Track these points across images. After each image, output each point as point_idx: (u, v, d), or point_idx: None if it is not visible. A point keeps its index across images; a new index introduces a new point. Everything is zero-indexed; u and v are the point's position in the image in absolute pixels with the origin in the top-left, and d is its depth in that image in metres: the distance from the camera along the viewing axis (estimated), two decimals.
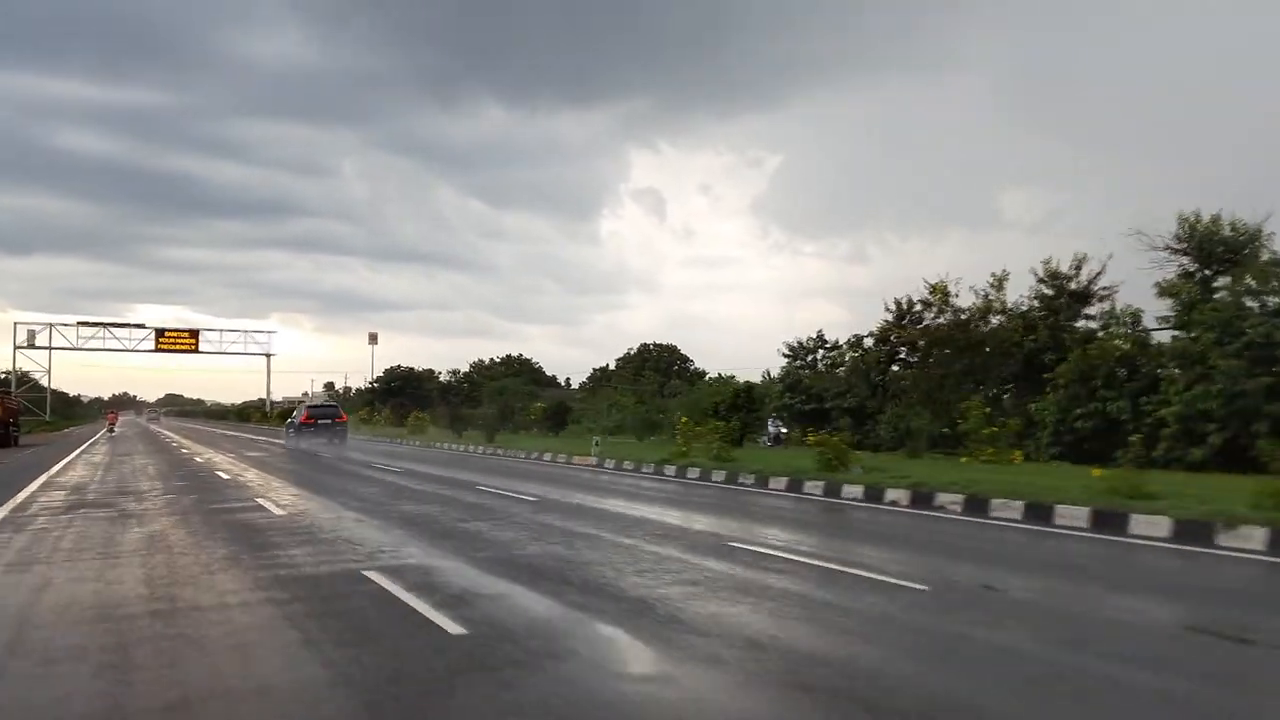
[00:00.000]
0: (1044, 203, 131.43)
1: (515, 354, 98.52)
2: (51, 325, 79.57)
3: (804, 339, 41.52)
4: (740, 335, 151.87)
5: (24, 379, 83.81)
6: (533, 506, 13.49)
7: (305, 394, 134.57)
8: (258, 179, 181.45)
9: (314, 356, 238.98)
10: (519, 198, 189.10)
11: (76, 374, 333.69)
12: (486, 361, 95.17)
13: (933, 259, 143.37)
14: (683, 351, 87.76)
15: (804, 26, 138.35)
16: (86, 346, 79.41)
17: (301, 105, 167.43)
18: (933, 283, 31.33)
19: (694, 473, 19.64)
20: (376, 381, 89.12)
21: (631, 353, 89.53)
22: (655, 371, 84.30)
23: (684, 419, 22.56)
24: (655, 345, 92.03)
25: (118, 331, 79.21)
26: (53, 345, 79.57)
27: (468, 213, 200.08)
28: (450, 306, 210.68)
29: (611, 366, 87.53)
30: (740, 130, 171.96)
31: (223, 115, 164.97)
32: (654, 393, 63.63)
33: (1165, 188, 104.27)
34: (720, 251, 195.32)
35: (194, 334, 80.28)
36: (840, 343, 41.08)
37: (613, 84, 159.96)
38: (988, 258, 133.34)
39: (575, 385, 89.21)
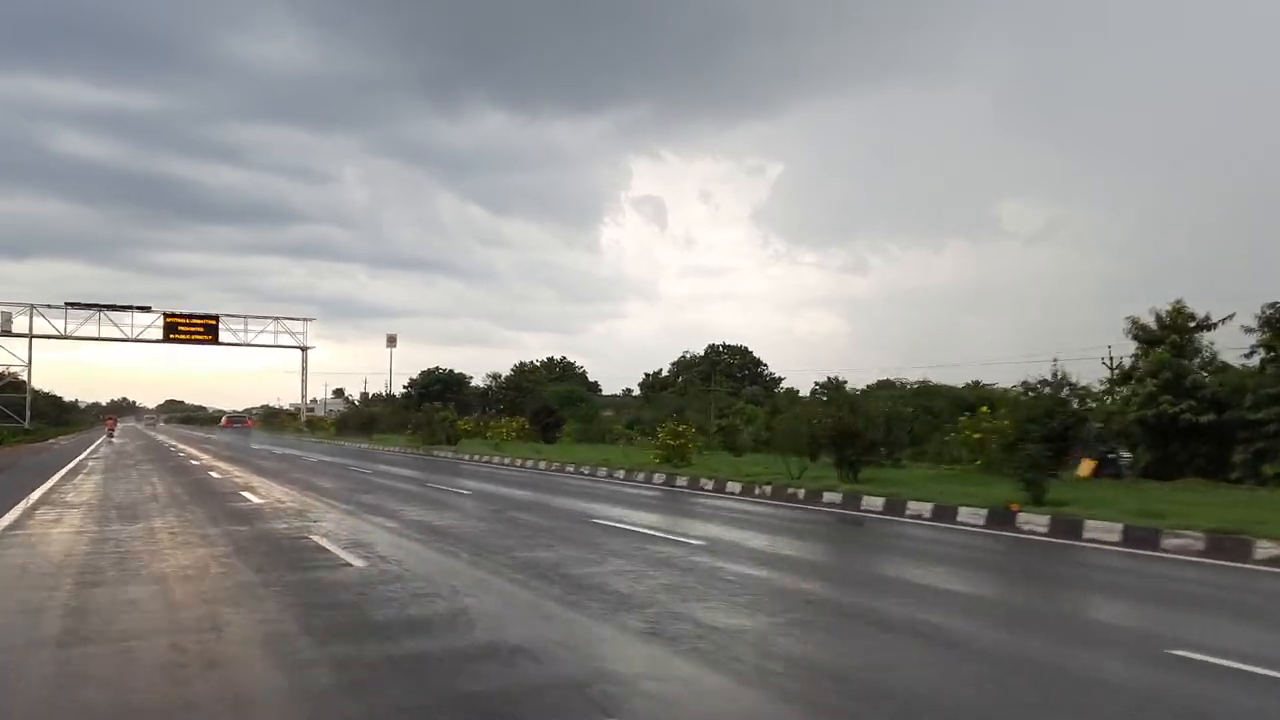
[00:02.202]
0: (1043, 212, 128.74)
1: (558, 357, 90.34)
2: (33, 307, 64.36)
3: (1161, 313, 28.81)
4: (739, 343, 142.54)
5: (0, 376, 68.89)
6: None
7: (314, 400, 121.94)
8: (256, 184, 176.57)
9: (313, 361, 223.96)
10: (518, 204, 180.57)
11: (70, 374, 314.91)
12: (528, 365, 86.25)
13: (933, 268, 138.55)
14: (755, 354, 78.14)
15: (804, 35, 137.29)
16: (78, 334, 64.61)
17: (300, 110, 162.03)
18: None
19: None
20: (410, 386, 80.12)
21: (688, 356, 79.43)
22: (727, 376, 74.35)
23: None
24: (725, 347, 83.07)
25: (118, 319, 64.45)
26: (33, 333, 64.35)
27: (467, 219, 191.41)
28: (448, 314, 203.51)
29: (665, 371, 79.51)
30: (741, 138, 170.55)
31: (221, 119, 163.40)
32: (771, 403, 51.82)
33: (1166, 198, 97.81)
34: (720, 260, 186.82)
35: (212, 319, 65.33)
36: (1212, 319, 28.52)
37: (613, 90, 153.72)
38: (988, 267, 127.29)
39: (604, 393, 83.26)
